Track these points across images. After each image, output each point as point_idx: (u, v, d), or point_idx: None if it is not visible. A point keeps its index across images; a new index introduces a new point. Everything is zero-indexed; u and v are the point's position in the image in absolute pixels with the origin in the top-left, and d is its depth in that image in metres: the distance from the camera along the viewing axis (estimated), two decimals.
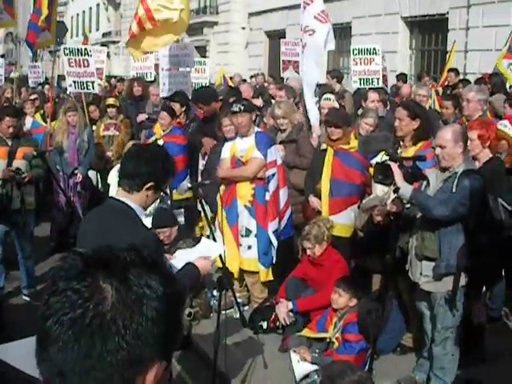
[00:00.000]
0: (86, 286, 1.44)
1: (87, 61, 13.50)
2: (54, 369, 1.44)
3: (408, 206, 6.23)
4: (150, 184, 4.30)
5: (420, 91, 11.43)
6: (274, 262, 8.29)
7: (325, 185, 8.16)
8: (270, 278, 8.24)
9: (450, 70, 16.44)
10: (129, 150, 4.90)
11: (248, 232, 8.22)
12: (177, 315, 1.59)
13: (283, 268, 8.32)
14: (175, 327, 1.58)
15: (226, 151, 8.40)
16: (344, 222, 8.10)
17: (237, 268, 8.28)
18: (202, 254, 4.79)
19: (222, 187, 8.35)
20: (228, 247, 8.19)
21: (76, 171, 11.02)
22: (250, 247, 8.23)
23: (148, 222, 6.57)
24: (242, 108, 7.98)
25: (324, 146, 8.35)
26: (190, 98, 12.13)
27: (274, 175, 8.17)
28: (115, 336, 1.42)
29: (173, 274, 1.63)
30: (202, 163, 10.13)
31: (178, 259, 4.69)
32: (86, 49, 13.97)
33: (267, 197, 8.15)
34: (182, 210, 10.19)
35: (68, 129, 11.05)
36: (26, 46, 16.04)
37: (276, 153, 8.28)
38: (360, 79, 13.64)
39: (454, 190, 5.88)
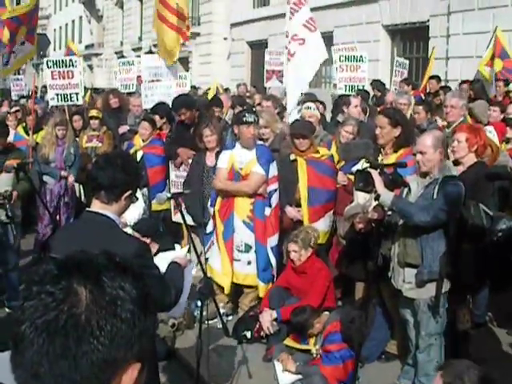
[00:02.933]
0: (61, 289, 1.45)
1: (72, 72, 13.45)
2: (30, 372, 1.44)
3: (389, 213, 6.24)
4: (128, 193, 4.21)
5: (400, 100, 11.38)
6: (273, 279, 8.20)
7: (303, 194, 8.22)
8: None
9: (432, 77, 16.49)
10: (97, 160, 4.70)
11: (248, 247, 8.14)
12: (150, 316, 1.59)
13: None
14: (148, 329, 1.58)
15: (224, 161, 8.23)
16: (322, 228, 8.21)
17: (228, 283, 8.22)
18: (174, 255, 4.81)
19: (219, 199, 8.27)
20: (221, 262, 8.16)
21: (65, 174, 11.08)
22: (249, 263, 8.16)
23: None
24: (256, 119, 7.87)
25: (293, 157, 8.37)
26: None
27: (276, 190, 8.17)
28: (90, 337, 1.42)
29: (144, 277, 1.64)
30: (174, 174, 10.01)
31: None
32: (71, 60, 13.87)
33: (268, 212, 8.10)
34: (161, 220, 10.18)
35: (56, 142, 11.05)
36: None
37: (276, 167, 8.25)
38: (345, 86, 13.70)
39: (435, 197, 5.90)
